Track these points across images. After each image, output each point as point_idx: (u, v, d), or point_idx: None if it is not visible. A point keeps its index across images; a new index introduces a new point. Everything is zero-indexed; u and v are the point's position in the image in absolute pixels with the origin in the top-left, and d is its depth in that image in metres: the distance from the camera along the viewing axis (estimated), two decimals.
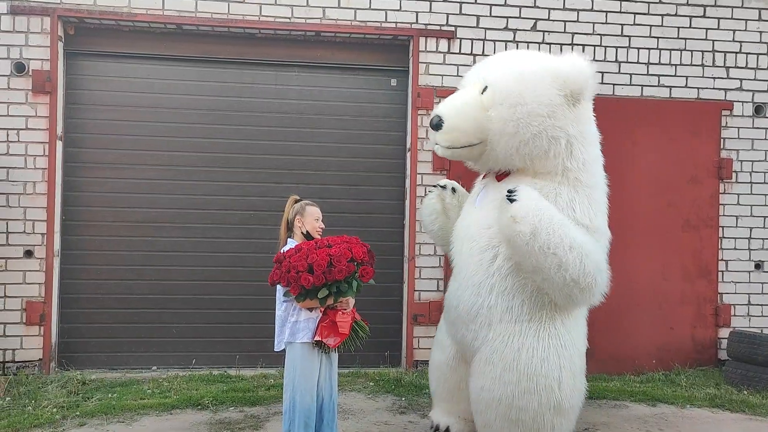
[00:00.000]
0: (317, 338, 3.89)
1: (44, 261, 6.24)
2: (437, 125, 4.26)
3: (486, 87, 4.25)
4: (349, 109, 6.92)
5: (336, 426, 4.07)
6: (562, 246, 3.76)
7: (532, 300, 4.06)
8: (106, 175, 6.57)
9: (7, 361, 6.16)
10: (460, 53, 6.72)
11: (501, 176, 4.39)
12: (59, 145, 6.36)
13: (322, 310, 3.91)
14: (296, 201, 4.27)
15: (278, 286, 3.91)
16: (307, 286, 3.65)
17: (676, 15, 7.01)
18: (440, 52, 6.71)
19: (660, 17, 6.99)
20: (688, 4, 7.03)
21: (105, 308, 6.55)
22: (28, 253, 6.22)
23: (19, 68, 6.22)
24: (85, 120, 6.56)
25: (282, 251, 3.93)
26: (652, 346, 6.89)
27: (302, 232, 4.14)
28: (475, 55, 6.73)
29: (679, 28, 7.03)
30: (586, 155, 4.22)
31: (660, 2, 6.99)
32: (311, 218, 4.16)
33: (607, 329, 6.76)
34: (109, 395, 5.64)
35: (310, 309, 3.92)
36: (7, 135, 6.21)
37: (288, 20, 6.55)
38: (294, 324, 3.94)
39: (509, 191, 3.89)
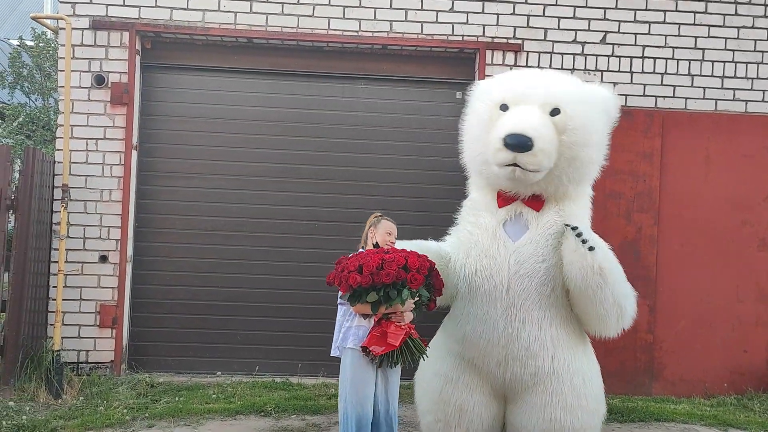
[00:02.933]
0: (363, 344, 3.91)
1: (118, 266, 6.46)
2: (525, 145, 3.79)
3: (556, 109, 3.97)
4: (415, 121, 6.94)
5: None
6: (624, 295, 3.90)
7: (578, 325, 4.18)
8: (177, 184, 6.77)
9: (81, 362, 6.39)
10: (526, 66, 6.65)
11: (533, 203, 4.13)
12: (134, 154, 6.60)
13: (376, 319, 3.90)
14: (376, 217, 4.43)
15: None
16: (353, 285, 3.67)
17: (753, 27, 6.79)
18: (506, 65, 6.65)
19: (736, 29, 6.78)
20: (765, 16, 6.79)
21: (173, 313, 6.73)
22: (103, 258, 6.46)
23: (99, 80, 6.48)
24: (159, 131, 6.79)
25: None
26: (724, 368, 6.64)
27: (372, 243, 4.21)
28: (541, 68, 6.58)
29: (756, 40, 6.79)
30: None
31: (736, 14, 6.78)
32: (383, 231, 4.28)
33: (677, 350, 6.57)
34: (176, 398, 5.80)
35: (365, 317, 3.95)
36: (86, 144, 6.47)
37: (355, 34, 6.64)
38: (347, 329, 4.04)
39: (575, 230, 3.85)
